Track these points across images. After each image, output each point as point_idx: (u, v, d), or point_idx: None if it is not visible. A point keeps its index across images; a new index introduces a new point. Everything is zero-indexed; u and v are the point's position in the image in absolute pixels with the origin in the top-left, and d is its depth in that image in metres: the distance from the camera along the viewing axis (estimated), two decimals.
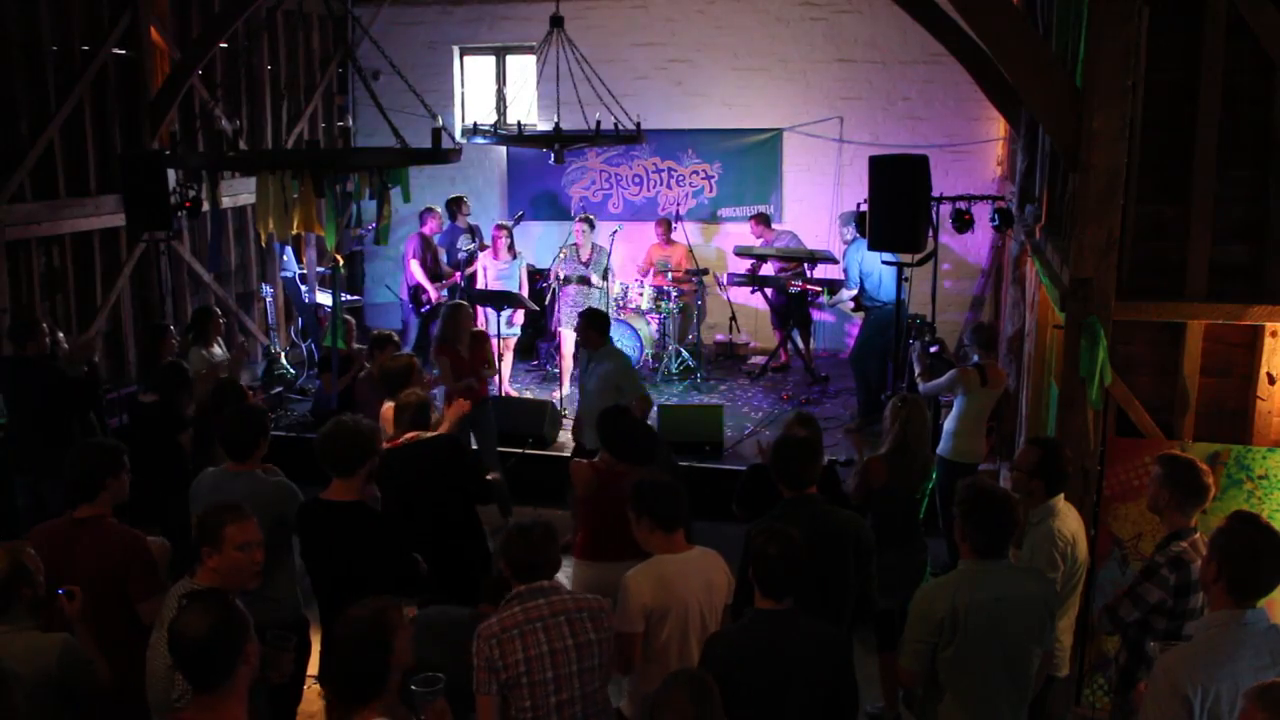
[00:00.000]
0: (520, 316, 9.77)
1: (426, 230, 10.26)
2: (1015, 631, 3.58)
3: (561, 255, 10.00)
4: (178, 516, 5.53)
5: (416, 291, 10.12)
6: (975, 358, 6.67)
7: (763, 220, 10.66)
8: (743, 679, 3.32)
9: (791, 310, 10.59)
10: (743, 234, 11.43)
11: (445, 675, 3.21)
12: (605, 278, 9.81)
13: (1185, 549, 3.89)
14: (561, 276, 9.84)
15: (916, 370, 7.12)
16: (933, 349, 7.20)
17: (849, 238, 9.45)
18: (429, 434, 5.12)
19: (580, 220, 10.04)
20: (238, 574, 3.52)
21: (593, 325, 6.77)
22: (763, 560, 3.45)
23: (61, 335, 7.20)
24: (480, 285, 9.67)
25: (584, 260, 9.75)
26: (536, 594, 3.49)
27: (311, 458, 5.72)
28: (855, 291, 9.25)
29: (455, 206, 10.80)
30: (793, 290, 10.30)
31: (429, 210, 10.42)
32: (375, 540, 4.13)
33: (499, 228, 9.82)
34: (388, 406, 5.54)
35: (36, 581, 3.43)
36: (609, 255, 9.96)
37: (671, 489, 3.99)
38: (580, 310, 9.08)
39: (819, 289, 10.15)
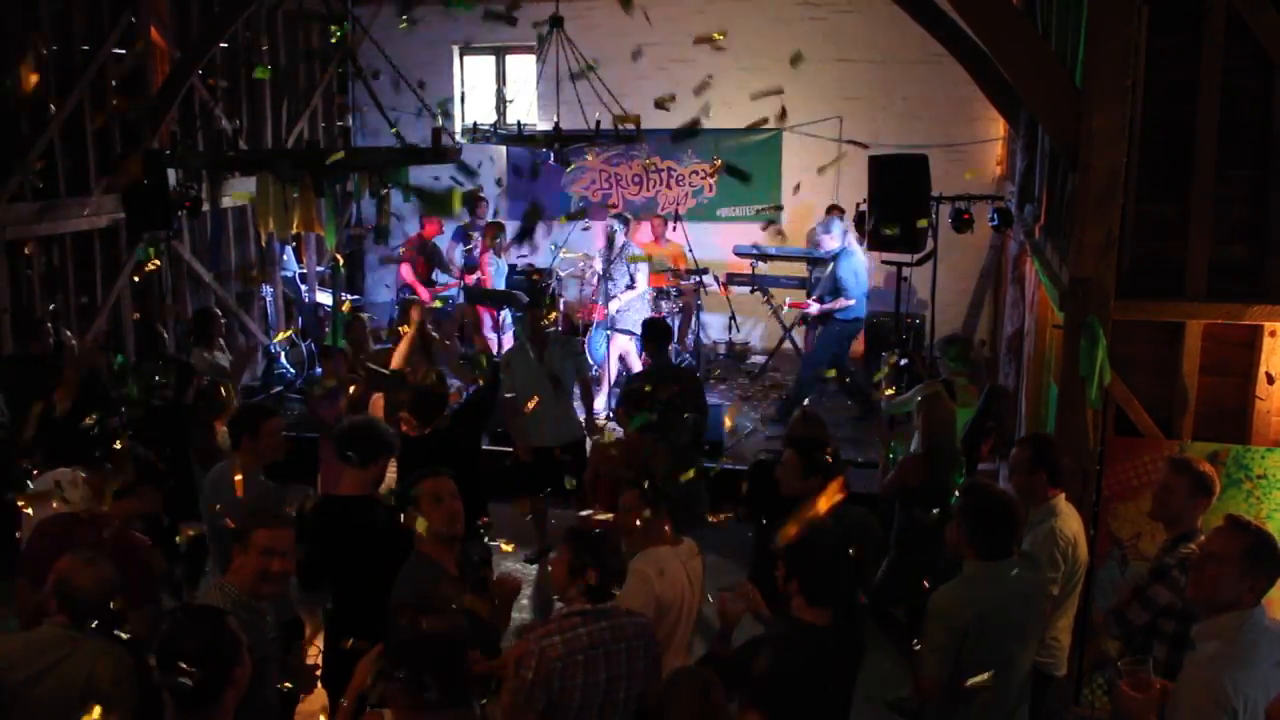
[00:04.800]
0: None
1: (426, 233, 10.26)
2: (1024, 630, 3.60)
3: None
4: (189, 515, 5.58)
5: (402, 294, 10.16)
6: (943, 373, 6.36)
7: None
8: (789, 691, 3.28)
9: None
10: (742, 234, 11.43)
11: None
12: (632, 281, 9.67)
13: (1194, 551, 3.83)
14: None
15: (882, 387, 6.90)
16: (901, 362, 6.86)
17: (836, 246, 9.03)
18: None
19: (614, 217, 9.87)
20: (258, 579, 3.49)
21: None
22: (813, 570, 3.39)
23: (68, 334, 7.20)
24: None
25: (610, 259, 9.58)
26: (600, 616, 3.35)
27: (311, 457, 5.74)
28: (852, 302, 8.92)
29: (472, 204, 10.81)
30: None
31: (429, 215, 10.40)
32: (387, 535, 4.13)
33: (494, 225, 9.85)
34: (377, 397, 5.61)
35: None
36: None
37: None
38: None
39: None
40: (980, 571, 3.62)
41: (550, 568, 3.50)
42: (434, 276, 10.27)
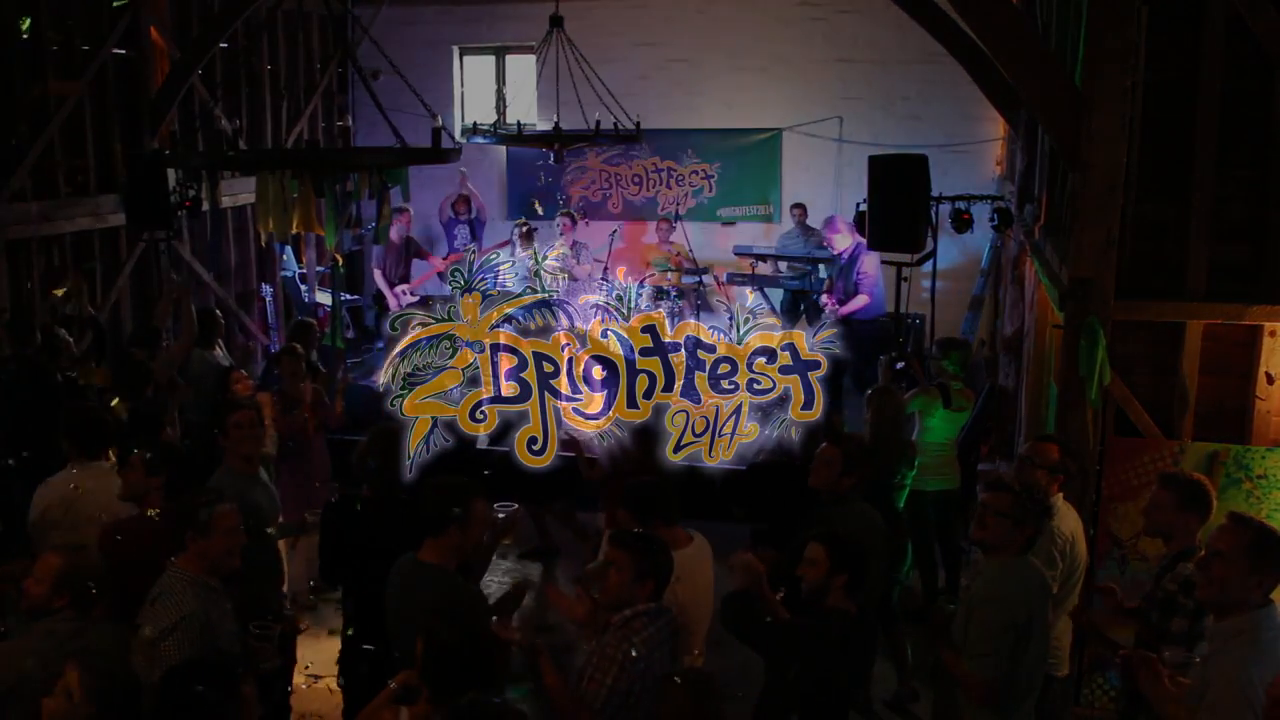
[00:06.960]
0: None
1: (393, 235, 10.24)
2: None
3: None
4: None
5: (378, 298, 10.18)
6: (938, 376, 6.26)
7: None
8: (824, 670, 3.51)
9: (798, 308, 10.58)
10: (742, 234, 11.43)
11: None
12: (604, 274, 9.79)
13: (1193, 571, 3.66)
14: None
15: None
16: (898, 365, 6.73)
17: (849, 243, 9.20)
18: None
19: (562, 215, 10.23)
20: (225, 557, 3.57)
21: None
22: (860, 566, 3.62)
23: (62, 332, 7.18)
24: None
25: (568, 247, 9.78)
26: (658, 615, 3.48)
27: None
28: (867, 300, 9.08)
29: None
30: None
31: (399, 210, 10.38)
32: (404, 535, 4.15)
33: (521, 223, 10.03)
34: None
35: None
36: (608, 253, 9.98)
37: (658, 486, 4.08)
38: None
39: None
40: (1021, 565, 3.69)
41: (602, 574, 3.54)
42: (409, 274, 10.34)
